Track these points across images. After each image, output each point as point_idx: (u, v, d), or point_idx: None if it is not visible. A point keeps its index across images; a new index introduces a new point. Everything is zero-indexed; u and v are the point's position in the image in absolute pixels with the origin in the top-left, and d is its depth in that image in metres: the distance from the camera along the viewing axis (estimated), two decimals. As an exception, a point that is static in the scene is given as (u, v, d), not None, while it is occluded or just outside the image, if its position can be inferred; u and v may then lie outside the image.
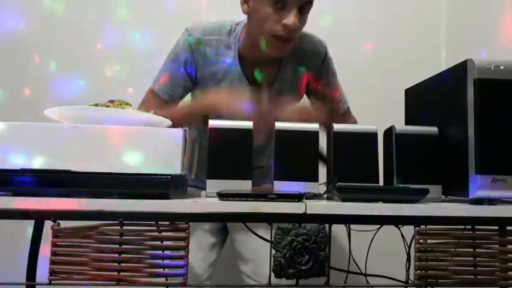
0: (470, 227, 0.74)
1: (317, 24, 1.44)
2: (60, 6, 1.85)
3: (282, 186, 0.85)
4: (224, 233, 1.42)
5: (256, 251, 1.26)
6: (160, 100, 1.23)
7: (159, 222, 0.70)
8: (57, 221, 0.70)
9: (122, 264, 0.70)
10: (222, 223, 1.38)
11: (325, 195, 0.86)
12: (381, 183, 0.90)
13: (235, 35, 1.23)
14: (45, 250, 0.78)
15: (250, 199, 0.73)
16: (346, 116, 1.33)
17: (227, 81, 1.23)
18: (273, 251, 0.72)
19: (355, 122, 1.34)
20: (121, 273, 0.70)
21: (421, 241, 0.73)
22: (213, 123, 0.86)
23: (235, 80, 1.23)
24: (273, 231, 0.73)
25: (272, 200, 0.73)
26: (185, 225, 0.70)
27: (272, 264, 0.72)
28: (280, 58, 1.24)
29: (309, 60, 1.27)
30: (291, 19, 1.09)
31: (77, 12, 1.86)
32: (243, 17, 1.22)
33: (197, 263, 1.32)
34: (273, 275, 0.72)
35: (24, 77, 1.83)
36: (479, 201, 0.80)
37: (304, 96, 1.34)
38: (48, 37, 1.84)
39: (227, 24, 1.25)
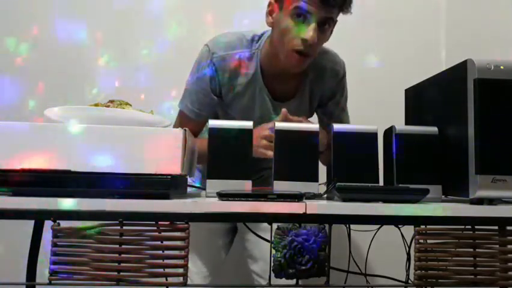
0: (470, 227, 0.74)
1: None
2: None
3: (282, 186, 0.85)
4: (232, 233, 1.41)
5: (267, 250, 1.25)
6: (189, 119, 1.24)
7: (159, 222, 0.70)
8: (57, 221, 0.70)
9: (122, 264, 0.70)
10: (232, 223, 1.39)
11: (325, 195, 0.86)
12: (381, 183, 0.90)
13: (257, 46, 1.23)
14: (45, 250, 0.78)
15: (250, 199, 0.73)
16: None
17: (248, 93, 1.23)
18: (273, 251, 0.72)
19: None
20: (121, 273, 0.69)
21: (421, 241, 0.73)
22: (213, 123, 0.86)
23: (256, 92, 1.23)
24: (273, 231, 0.73)
25: (272, 200, 0.73)
26: (186, 225, 0.70)
27: (272, 264, 0.72)
28: (300, 73, 1.24)
29: (327, 78, 1.28)
30: (309, 33, 1.09)
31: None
32: (263, 28, 1.23)
33: (205, 264, 1.32)
34: (273, 275, 0.72)
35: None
36: (479, 201, 0.80)
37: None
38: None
39: (247, 34, 1.25)
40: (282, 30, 1.12)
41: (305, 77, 1.26)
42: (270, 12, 1.18)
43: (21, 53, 1.81)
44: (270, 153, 1.00)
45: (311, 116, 1.35)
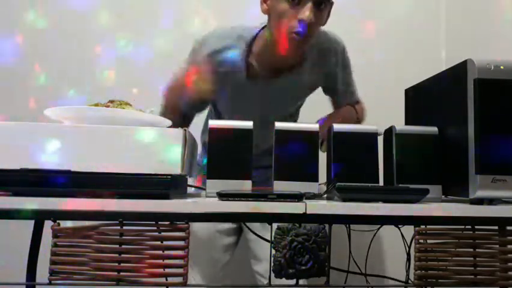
0: (470, 227, 0.74)
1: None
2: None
3: (282, 186, 0.85)
4: (238, 233, 1.42)
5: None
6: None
7: (159, 222, 0.70)
8: (57, 221, 0.70)
9: (122, 264, 0.70)
10: (236, 223, 1.39)
11: (325, 195, 0.86)
12: (381, 183, 0.90)
13: (247, 44, 1.22)
14: (45, 250, 0.78)
15: (250, 199, 0.73)
16: (354, 105, 1.35)
17: (241, 93, 1.24)
18: (273, 251, 0.72)
19: (362, 109, 1.37)
20: (121, 273, 0.70)
21: (421, 241, 0.73)
22: (212, 123, 0.86)
23: (252, 91, 1.23)
24: (273, 231, 0.73)
25: (272, 200, 0.73)
26: (186, 225, 0.70)
27: (272, 264, 0.72)
28: (300, 63, 1.24)
29: (327, 59, 1.28)
30: (306, 13, 1.08)
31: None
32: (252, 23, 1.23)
33: (211, 264, 1.32)
34: (273, 275, 0.72)
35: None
36: (479, 201, 0.80)
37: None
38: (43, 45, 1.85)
39: (238, 29, 1.24)
40: (278, 14, 1.12)
41: (303, 62, 1.25)
42: (264, 0, 1.17)
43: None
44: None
45: (310, 93, 1.36)
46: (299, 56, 1.22)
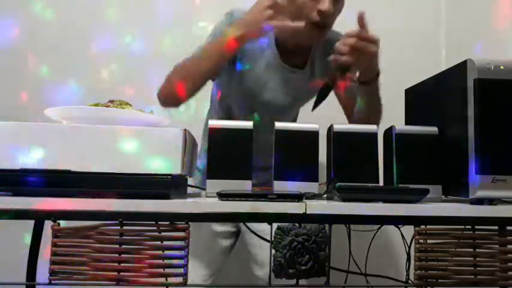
0: (470, 227, 0.74)
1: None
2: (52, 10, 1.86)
3: (282, 186, 0.85)
4: (235, 236, 1.41)
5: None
6: None
7: (159, 222, 0.70)
8: (57, 221, 0.70)
9: (122, 264, 0.70)
10: (235, 226, 1.39)
11: (325, 195, 0.86)
12: (381, 183, 0.90)
13: None
14: (45, 250, 0.78)
15: (250, 199, 0.73)
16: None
17: (264, 59, 1.25)
18: (273, 251, 0.72)
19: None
20: (121, 273, 0.70)
21: (421, 241, 0.73)
22: (212, 123, 0.86)
23: (271, 60, 1.25)
24: (273, 231, 0.73)
25: (272, 200, 0.73)
26: (185, 225, 0.70)
27: (272, 264, 0.72)
28: (309, 47, 1.27)
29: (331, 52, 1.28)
30: (325, 5, 1.11)
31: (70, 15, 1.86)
32: None
33: (206, 267, 1.32)
34: (273, 275, 0.72)
35: (20, 82, 1.84)
36: (479, 201, 0.80)
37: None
38: (42, 41, 1.85)
39: None
40: (297, 4, 1.13)
41: (313, 50, 1.28)
42: None
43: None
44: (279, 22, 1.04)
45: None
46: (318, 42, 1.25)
